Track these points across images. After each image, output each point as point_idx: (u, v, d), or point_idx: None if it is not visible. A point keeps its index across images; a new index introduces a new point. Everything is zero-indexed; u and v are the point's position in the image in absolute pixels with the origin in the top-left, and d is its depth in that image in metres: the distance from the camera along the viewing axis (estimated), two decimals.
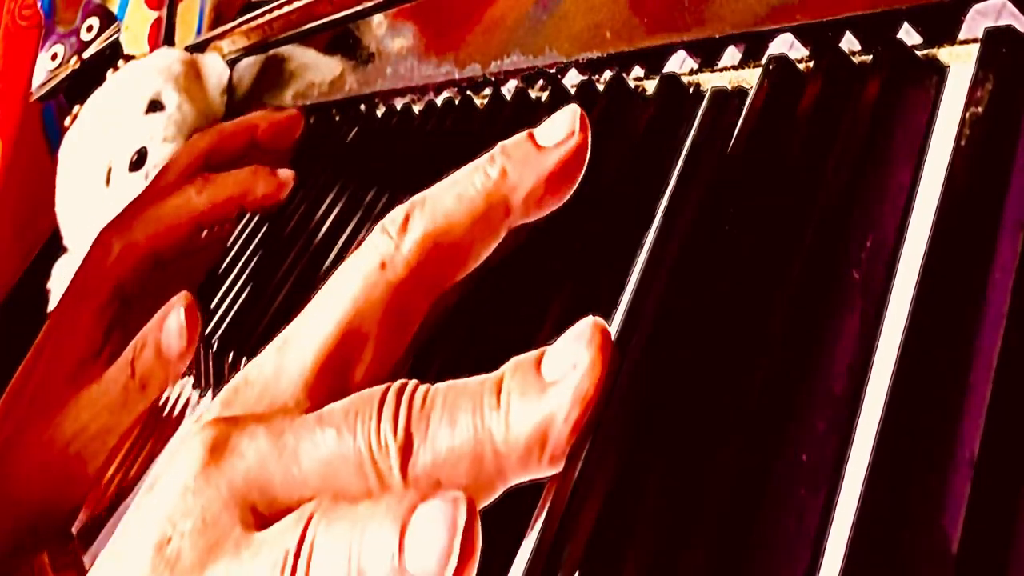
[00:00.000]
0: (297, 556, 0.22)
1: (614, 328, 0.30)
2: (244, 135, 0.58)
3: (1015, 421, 0.20)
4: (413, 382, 0.25)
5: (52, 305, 0.79)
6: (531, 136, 0.28)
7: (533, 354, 0.25)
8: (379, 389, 0.25)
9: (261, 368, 0.27)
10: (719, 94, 0.34)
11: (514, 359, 0.25)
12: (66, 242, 0.79)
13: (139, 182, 0.69)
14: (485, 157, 0.28)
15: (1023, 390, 0.21)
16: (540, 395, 0.23)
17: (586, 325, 0.25)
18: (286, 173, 0.55)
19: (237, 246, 0.60)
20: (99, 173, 0.71)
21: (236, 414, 0.26)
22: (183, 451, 0.25)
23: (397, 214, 0.28)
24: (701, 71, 0.36)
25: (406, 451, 0.23)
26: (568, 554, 0.24)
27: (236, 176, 0.54)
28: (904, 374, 0.22)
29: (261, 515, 0.24)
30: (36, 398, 0.49)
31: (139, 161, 0.69)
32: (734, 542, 0.22)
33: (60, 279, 0.79)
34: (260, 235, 0.58)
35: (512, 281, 0.34)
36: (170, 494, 0.24)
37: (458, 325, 0.34)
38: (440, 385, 0.25)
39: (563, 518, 0.24)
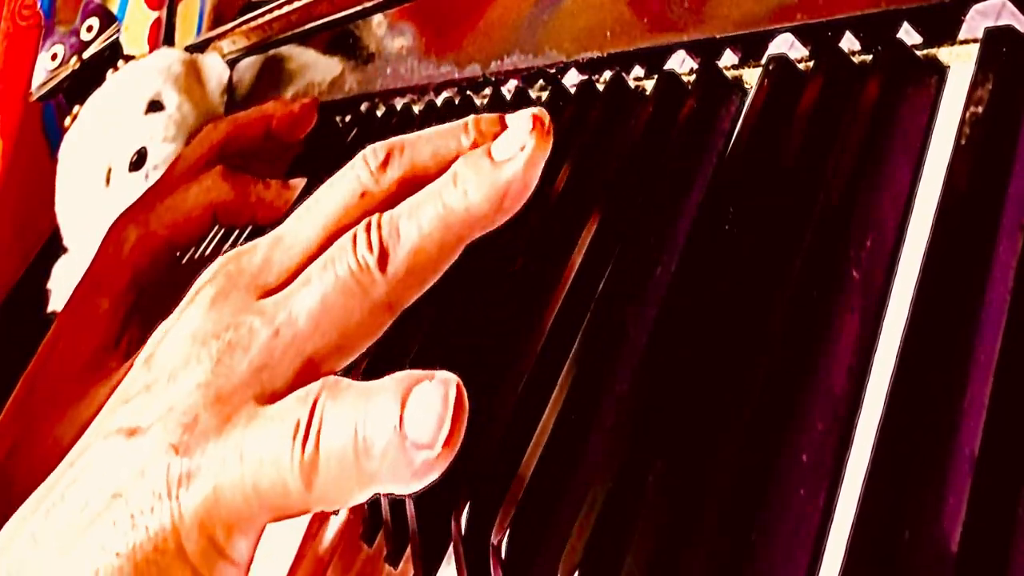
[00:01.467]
0: (308, 425, 0.24)
1: (614, 328, 0.30)
2: (258, 125, 0.57)
3: (1015, 421, 0.20)
4: (376, 214, 0.28)
5: (52, 305, 0.78)
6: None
7: (482, 147, 0.29)
8: (349, 232, 0.28)
9: (251, 258, 0.29)
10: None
11: (461, 156, 0.29)
12: (66, 242, 0.79)
13: (139, 182, 0.69)
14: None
15: (1023, 390, 0.21)
16: (495, 169, 0.28)
17: (526, 115, 0.29)
18: (298, 184, 0.55)
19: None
20: (99, 173, 0.71)
21: (230, 295, 0.28)
22: (189, 342, 0.27)
23: (379, 149, 0.31)
24: (649, 77, 0.36)
25: (383, 259, 0.27)
26: (568, 554, 0.24)
27: (255, 185, 0.53)
28: (904, 374, 0.22)
29: (269, 395, 0.26)
30: (51, 390, 0.49)
31: (139, 161, 0.69)
32: (734, 541, 0.22)
33: (60, 279, 0.79)
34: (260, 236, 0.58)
35: (512, 279, 0.34)
36: (186, 374, 0.26)
37: (453, 321, 0.34)
38: (399, 205, 0.28)
39: (564, 518, 0.24)
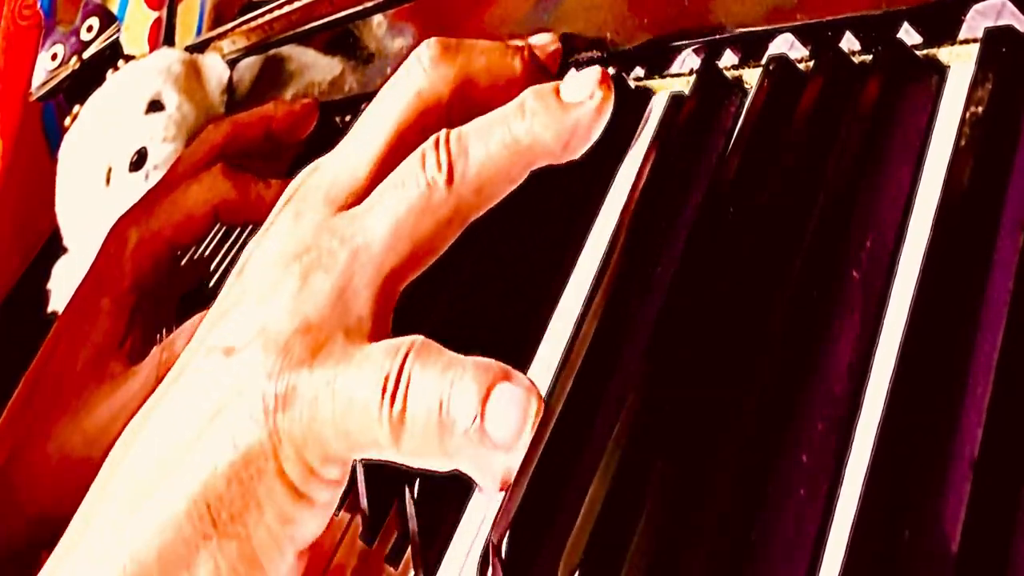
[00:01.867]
0: (397, 382, 0.25)
1: (613, 328, 0.30)
2: (259, 126, 0.58)
3: (1015, 421, 0.20)
4: (444, 131, 0.29)
5: (52, 305, 0.78)
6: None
7: (549, 85, 0.30)
8: (419, 150, 0.29)
9: (323, 175, 0.30)
10: (677, 97, 0.35)
11: (529, 89, 0.30)
12: (66, 242, 0.79)
13: (139, 182, 0.69)
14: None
15: (1023, 390, 0.21)
16: (563, 110, 0.29)
17: (596, 71, 0.30)
18: None
19: (237, 247, 0.60)
20: (99, 173, 0.71)
21: (307, 214, 0.29)
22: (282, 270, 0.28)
23: (435, 49, 0.32)
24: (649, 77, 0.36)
25: (450, 176, 0.28)
26: (568, 554, 0.24)
27: (256, 186, 0.53)
28: (904, 374, 0.22)
29: (355, 325, 0.27)
30: (52, 392, 0.48)
31: (139, 161, 0.69)
32: (734, 542, 0.22)
33: (60, 279, 0.79)
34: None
35: (512, 278, 0.34)
36: (281, 290, 0.27)
37: (453, 318, 0.34)
38: (468, 125, 0.29)
39: (564, 518, 0.24)
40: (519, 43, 0.33)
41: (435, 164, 0.28)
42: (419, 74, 0.31)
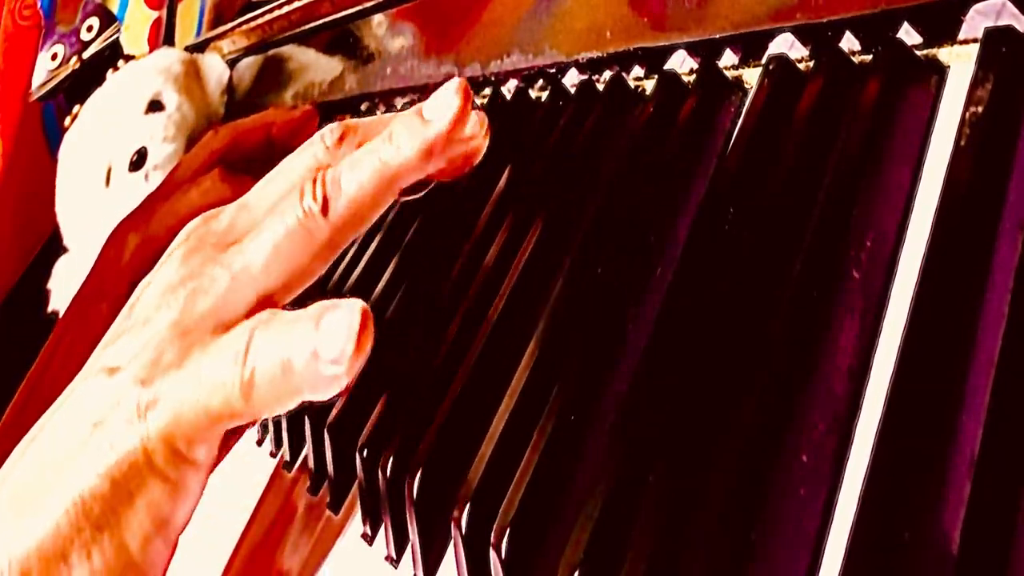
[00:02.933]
0: (247, 350, 0.28)
1: (614, 327, 0.30)
2: (259, 133, 0.58)
3: (1015, 421, 0.20)
4: (321, 170, 0.32)
5: (52, 305, 0.78)
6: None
7: (412, 108, 0.33)
8: (297, 186, 0.32)
9: (219, 221, 0.33)
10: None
11: (397, 116, 0.33)
12: (66, 242, 0.79)
13: (139, 182, 0.69)
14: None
15: (1023, 390, 0.21)
16: (424, 125, 0.32)
17: (455, 83, 0.32)
18: None
19: None
20: (99, 173, 0.71)
21: (199, 252, 0.32)
22: (168, 278, 0.31)
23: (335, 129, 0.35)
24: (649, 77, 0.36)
25: (326, 207, 0.31)
26: (568, 554, 0.24)
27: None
28: (904, 374, 0.22)
29: (223, 326, 0.30)
30: (52, 396, 0.49)
31: (139, 161, 0.69)
32: (735, 542, 0.22)
33: (60, 279, 0.79)
34: None
35: (512, 277, 0.34)
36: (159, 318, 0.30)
37: (453, 319, 0.34)
38: (343, 161, 0.32)
39: (564, 518, 0.24)
40: (419, 106, 0.35)
41: (311, 196, 0.31)
42: (320, 148, 0.34)
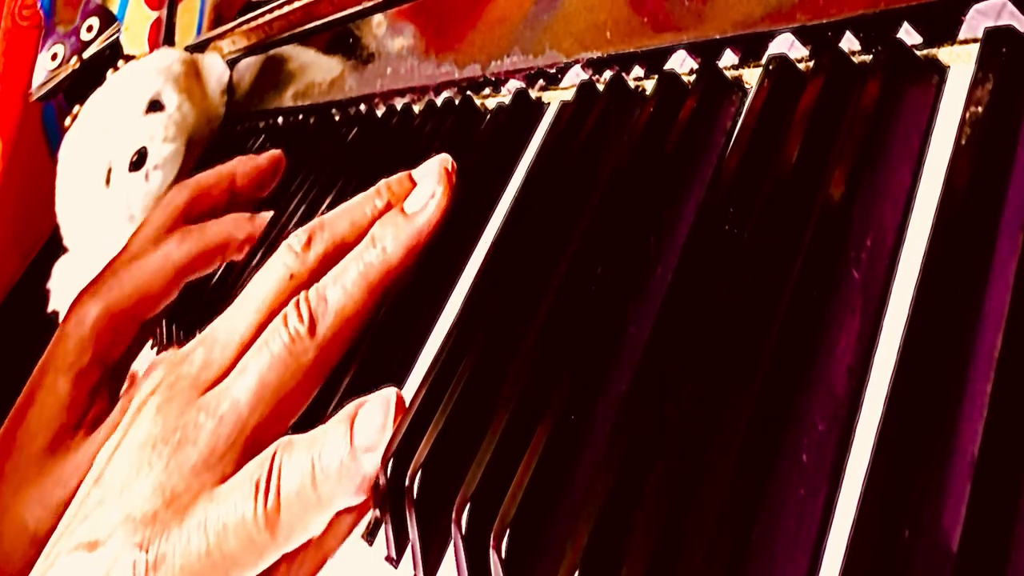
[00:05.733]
0: (268, 480, 0.26)
1: (614, 327, 0.30)
2: (222, 185, 0.56)
3: (1015, 421, 0.20)
4: (303, 292, 0.31)
5: (52, 305, 0.78)
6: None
7: (393, 208, 0.32)
8: (281, 313, 0.31)
9: (190, 363, 0.31)
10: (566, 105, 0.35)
11: (378, 220, 0.33)
12: (66, 242, 0.79)
13: (139, 182, 0.69)
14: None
15: (1023, 390, 0.21)
16: (408, 222, 0.31)
17: (435, 164, 0.32)
18: (264, 217, 0.54)
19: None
20: (99, 173, 0.71)
21: (174, 401, 0.30)
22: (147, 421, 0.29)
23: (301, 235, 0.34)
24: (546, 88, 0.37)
25: (312, 327, 0.30)
26: (568, 554, 0.24)
27: (216, 226, 0.53)
28: (904, 374, 0.22)
29: (220, 478, 0.28)
30: (12, 473, 0.47)
31: (139, 161, 0.69)
32: (734, 542, 0.22)
33: (60, 279, 0.79)
34: (261, 236, 0.58)
35: (512, 278, 0.34)
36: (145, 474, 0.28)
37: (453, 320, 0.34)
38: (325, 275, 0.31)
39: (564, 518, 0.24)
40: (378, 186, 0.34)
41: (296, 318, 0.30)
42: (290, 257, 0.33)
